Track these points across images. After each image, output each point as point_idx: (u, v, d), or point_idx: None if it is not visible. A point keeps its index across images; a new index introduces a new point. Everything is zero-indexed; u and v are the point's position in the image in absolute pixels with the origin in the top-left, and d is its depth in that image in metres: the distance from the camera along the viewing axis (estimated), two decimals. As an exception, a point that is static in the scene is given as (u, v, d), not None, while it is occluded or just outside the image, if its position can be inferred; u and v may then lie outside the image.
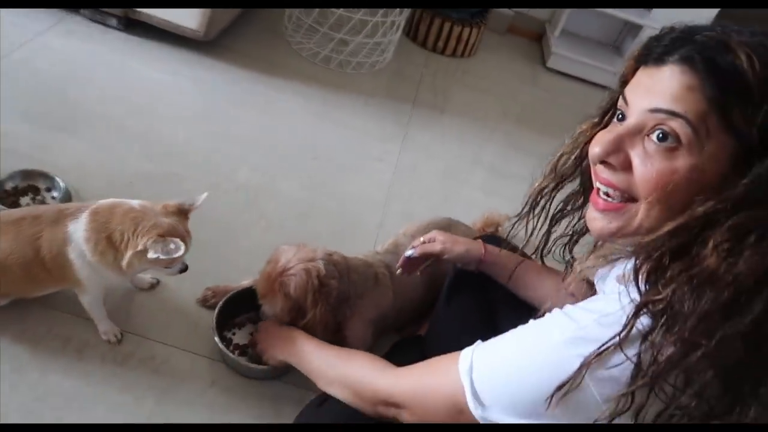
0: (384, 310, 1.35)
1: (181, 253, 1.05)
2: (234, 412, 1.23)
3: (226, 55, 2.29)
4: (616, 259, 0.77)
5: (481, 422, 0.74)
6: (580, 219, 0.95)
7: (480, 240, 1.24)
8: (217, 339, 1.26)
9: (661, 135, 0.64)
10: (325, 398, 1.03)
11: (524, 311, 1.16)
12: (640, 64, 0.70)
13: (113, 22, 2.17)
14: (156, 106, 1.96)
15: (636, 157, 0.67)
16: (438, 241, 1.21)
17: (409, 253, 1.23)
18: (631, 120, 0.67)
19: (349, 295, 1.29)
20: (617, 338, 0.62)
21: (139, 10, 2.10)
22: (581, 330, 0.67)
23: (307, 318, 1.20)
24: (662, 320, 0.61)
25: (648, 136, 0.66)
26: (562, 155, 0.90)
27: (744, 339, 0.59)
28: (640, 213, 0.68)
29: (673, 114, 0.63)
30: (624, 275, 0.69)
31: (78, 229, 1.08)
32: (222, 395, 1.25)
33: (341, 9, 2.37)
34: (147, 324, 1.32)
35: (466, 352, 0.79)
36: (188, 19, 2.10)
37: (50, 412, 1.13)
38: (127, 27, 2.19)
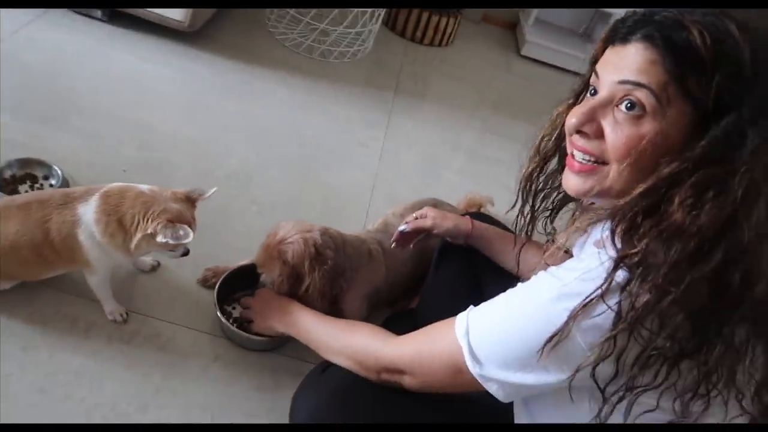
0: (377, 284, 1.43)
1: (189, 239, 1.11)
2: (237, 384, 1.29)
3: (210, 45, 2.33)
4: (593, 224, 0.84)
5: (478, 379, 0.82)
6: (559, 193, 1.02)
7: (467, 216, 1.32)
8: (218, 313, 1.33)
9: (629, 104, 0.72)
10: (327, 365, 1.08)
11: (508, 277, 1.25)
12: (608, 44, 0.78)
13: (98, 13, 2.19)
14: (145, 96, 2.00)
15: (607, 125, 0.75)
16: (429, 217, 1.30)
17: (402, 227, 1.32)
18: (603, 92, 0.75)
19: (345, 268, 1.36)
20: (599, 290, 0.70)
21: (123, 1, 2.13)
22: (566, 286, 0.74)
23: (305, 284, 1.26)
24: (638, 272, 0.69)
25: (617, 106, 0.74)
26: (543, 137, 0.97)
27: (708, 284, 0.67)
28: (611, 174, 0.76)
29: (638, 85, 0.71)
30: (601, 239, 0.78)
31: (88, 211, 1.13)
32: (225, 369, 1.31)
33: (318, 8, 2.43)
34: (151, 304, 1.37)
35: (461, 316, 0.87)
36: (173, 10, 2.13)
37: (60, 389, 1.17)
38: (111, 18, 2.22)
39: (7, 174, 1.47)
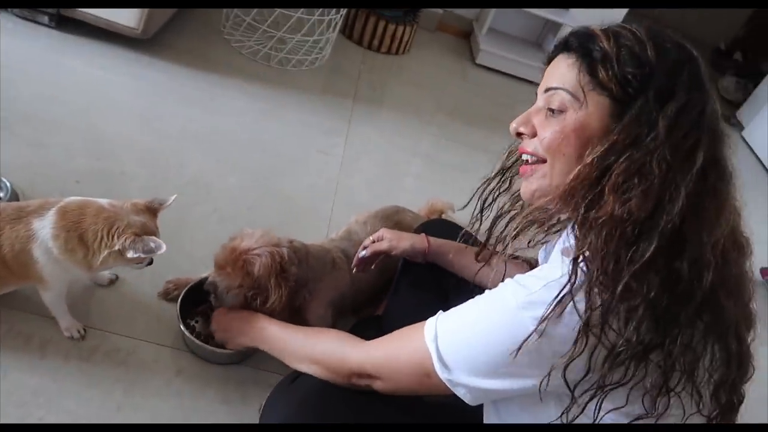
0: (342, 291, 1.43)
1: (162, 251, 1.08)
2: (202, 398, 1.27)
3: (164, 52, 2.29)
4: (552, 228, 0.88)
5: (447, 384, 0.83)
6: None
7: (423, 234, 1.35)
8: (182, 327, 1.30)
9: (551, 106, 0.83)
10: (296, 375, 1.07)
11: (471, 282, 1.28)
12: (545, 65, 0.89)
13: (44, 19, 2.12)
14: (96, 104, 1.94)
15: (538, 125, 0.85)
16: (385, 239, 1.33)
17: (361, 254, 1.35)
18: (538, 102, 0.87)
19: (308, 279, 1.36)
20: (561, 294, 0.72)
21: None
22: (532, 294, 0.75)
23: (270, 301, 1.25)
24: (593, 269, 0.72)
25: (545, 109, 0.84)
26: (510, 153, 1.04)
27: (659, 276, 0.71)
28: (549, 170, 0.84)
29: (555, 89, 0.82)
30: (568, 247, 0.80)
31: (45, 226, 1.09)
32: (189, 383, 1.28)
33: (279, 9, 2.42)
34: (109, 318, 1.33)
35: (430, 321, 0.88)
36: (125, 16, 2.08)
37: (16, 409, 1.13)
38: (59, 24, 2.15)
39: (-49, 187, 1.41)
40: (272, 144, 2.10)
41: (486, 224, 1.08)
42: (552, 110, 0.82)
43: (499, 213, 1.04)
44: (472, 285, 1.31)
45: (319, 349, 1.05)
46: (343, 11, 2.65)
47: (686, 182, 0.72)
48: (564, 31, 3.24)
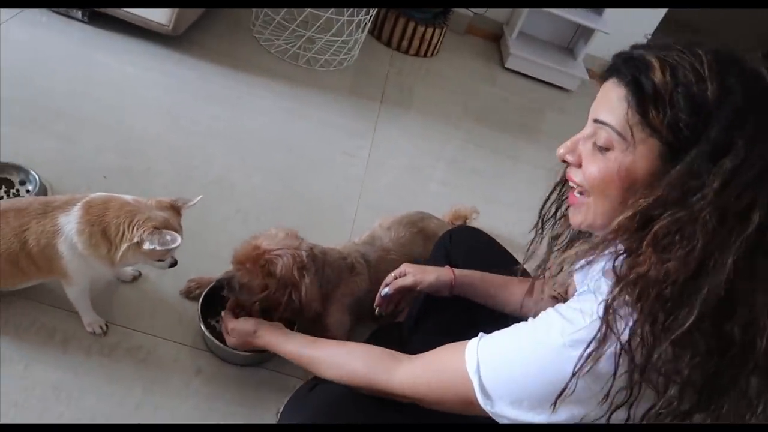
0: (360, 296, 1.42)
1: (177, 244, 1.08)
2: (219, 399, 1.26)
3: (194, 50, 2.30)
4: (595, 251, 0.82)
5: (490, 414, 0.81)
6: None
7: (447, 266, 1.26)
8: (202, 326, 1.30)
9: (598, 143, 0.76)
10: (315, 383, 1.05)
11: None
12: (601, 81, 0.82)
13: (77, 14, 2.14)
14: (126, 100, 1.96)
15: (584, 156, 0.79)
16: (409, 274, 1.26)
17: (384, 292, 1.28)
18: (586, 128, 0.80)
19: (323, 286, 1.34)
20: (598, 336, 0.69)
21: (106, 3, 2.09)
22: (579, 331, 0.72)
23: (303, 292, 1.23)
24: (629, 322, 0.68)
25: (592, 140, 0.78)
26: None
27: (708, 338, 0.67)
28: (592, 206, 0.79)
29: (603, 123, 0.75)
30: (609, 270, 0.76)
31: (70, 221, 1.09)
32: (207, 383, 1.28)
33: (309, 8, 2.41)
34: (131, 315, 1.33)
35: (471, 349, 0.85)
36: (157, 13, 2.09)
37: (37, 403, 1.13)
38: (92, 20, 2.17)
39: (-18, 179, 1.42)
40: (298, 144, 2.10)
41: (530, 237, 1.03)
42: (598, 146, 0.76)
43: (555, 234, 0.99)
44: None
45: (352, 367, 1.02)
46: (373, 12, 2.63)
47: (736, 247, 0.66)
48: (596, 38, 3.18)
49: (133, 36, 2.20)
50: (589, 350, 0.69)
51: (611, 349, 0.69)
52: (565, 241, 0.98)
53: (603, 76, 0.80)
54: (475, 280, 1.24)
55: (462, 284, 1.23)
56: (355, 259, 1.45)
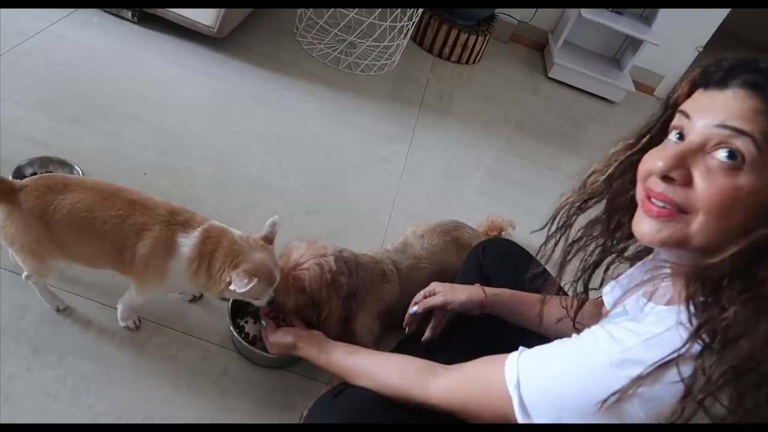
0: (391, 304, 1.40)
1: (249, 287, 1.07)
2: (245, 399, 1.27)
3: (238, 52, 2.33)
4: (664, 279, 0.77)
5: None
6: (598, 246, 0.93)
7: (478, 285, 1.24)
8: (231, 327, 1.30)
9: (728, 153, 0.66)
10: (340, 390, 1.05)
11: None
12: (698, 87, 0.73)
13: (128, 14, 2.20)
14: (170, 99, 2.00)
15: (698, 173, 0.68)
16: (439, 294, 1.24)
17: (412, 310, 1.27)
18: (695, 137, 0.69)
19: (357, 290, 1.33)
20: (672, 356, 0.65)
21: (154, 4, 2.14)
22: (627, 352, 0.69)
23: (323, 312, 1.24)
24: (716, 343, 0.63)
25: (710, 153, 0.68)
26: (592, 173, 0.90)
27: None
28: (694, 225, 0.69)
29: (740, 132, 0.65)
30: (673, 296, 0.73)
31: (186, 245, 1.11)
32: (234, 383, 1.29)
33: (354, 11, 2.42)
34: (162, 312, 1.35)
35: (511, 364, 0.82)
36: (203, 15, 2.13)
37: (68, 393, 1.16)
38: (141, 20, 2.23)
39: (28, 171, 1.47)
40: (335, 148, 2.10)
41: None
42: (730, 153, 0.65)
43: (573, 241, 0.94)
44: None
45: (389, 379, 1.01)
46: (416, 18, 2.63)
47: None
48: (645, 49, 3.09)
49: (180, 37, 2.25)
50: (651, 367, 0.65)
51: (675, 371, 0.65)
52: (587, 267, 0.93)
53: (714, 83, 0.70)
54: (505, 298, 1.21)
55: (493, 303, 1.20)
56: (386, 265, 1.43)
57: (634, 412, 0.67)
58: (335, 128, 2.21)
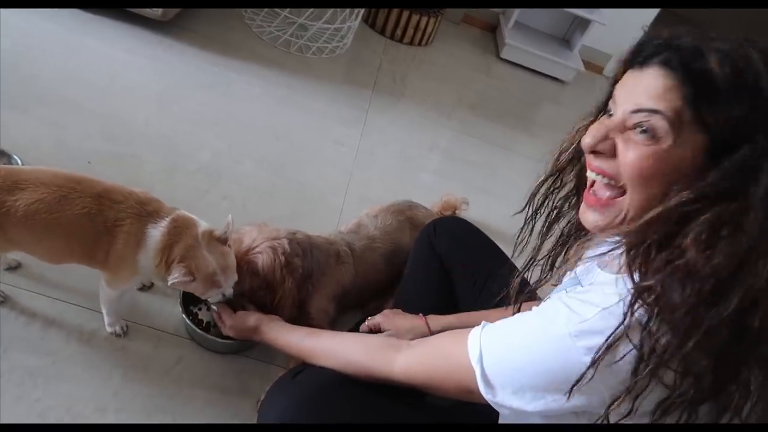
0: (345, 286, 1.40)
1: (175, 281, 1.07)
2: (200, 387, 1.26)
3: (184, 35, 2.27)
4: (600, 247, 0.81)
5: (490, 404, 0.81)
6: (567, 225, 0.97)
7: (422, 317, 1.24)
8: (183, 314, 1.29)
9: (642, 129, 0.71)
10: (298, 371, 1.05)
11: (479, 276, 1.25)
12: (627, 67, 0.77)
13: (67, -2, 2.12)
14: (114, 85, 1.94)
15: (620, 144, 0.74)
16: (385, 333, 1.23)
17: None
18: (618, 116, 0.75)
19: (312, 271, 1.33)
20: (621, 328, 0.67)
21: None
22: (585, 323, 0.71)
23: (277, 296, 1.23)
24: (656, 310, 0.67)
25: (631, 129, 0.73)
26: (561, 152, 0.93)
27: (728, 328, 0.65)
28: (626, 202, 0.74)
29: (653, 111, 0.70)
30: (619, 264, 0.75)
31: (155, 236, 1.07)
32: (188, 371, 1.27)
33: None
34: (112, 302, 1.32)
35: (473, 338, 0.84)
36: (146, -2, 2.07)
37: (13, 388, 1.12)
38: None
39: (-37, 162, 1.41)
40: (287, 132, 2.08)
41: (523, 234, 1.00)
42: (644, 130, 0.71)
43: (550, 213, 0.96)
44: (477, 278, 1.28)
45: (352, 357, 1.02)
46: None
47: None
48: (593, 29, 3.15)
49: (123, 21, 2.18)
50: (606, 341, 0.68)
51: (628, 342, 0.67)
52: (569, 239, 0.95)
53: (637, 62, 0.75)
54: (452, 324, 1.19)
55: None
56: (340, 246, 1.43)
57: (595, 382, 0.70)
58: (287, 111, 2.18)
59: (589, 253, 0.92)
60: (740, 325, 0.66)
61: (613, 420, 0.70)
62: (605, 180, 0.77)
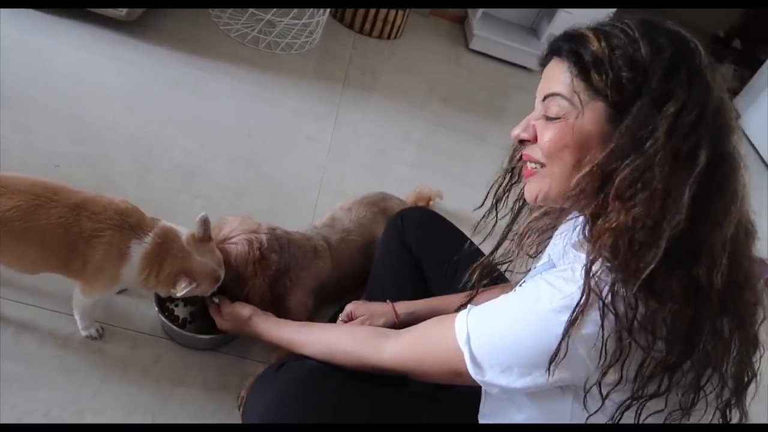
0: (323, 279, 1.41)
1: (183, 292, 1.09)
2: (180, 385, 1.26)
3: (150, 34, 2.25)
4: (560, 216, 0.91)
5: (480, 383, 0.84)
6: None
7: (390, 306, 1.24)
8: (158, 312, 1.28)
9: (551, 113, 0.81)
10: (282, 363, 1.05)
11: (447, 261, 1.27)
12: (541, 67, 0.88)
13: None
14: (79, 87, 1.91)
15: (538, 129, 0.84)
16: (358, 318, 1.24)
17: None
18: (537, 107, 0.86)
19: (290, 267, 1.34)
20: (581, 299, 0.72)
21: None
22: (567, 298, 0.74)
23: (247, 288, 1.23)
24: (611, 276, 0.72)
25: (545, 115, 0.83)
26: (515, 150, 1.00)
27: (679, 283, 0.70)
28: (548, 174, 0.83)
29: (554, 95, 0.81)
30: (579, 241, 0.80)
31: (138, 252, 1.09)
32: (167, 370, 1.27)
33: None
34: (86, 304, 1.31)
35: (460, 321, 0.87)
36: (110, -2, 2.04)
37: (-11, 395, 1.11)
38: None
39: (-73, 170, 1.38)
40: (259, 129, 2.08)
41: (488, 220, 1.07)
42: (550, 117, 0.81)
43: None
44: (445, 264, 1.30)
45: (342, 347, 1.05)
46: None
47: (689, 185, 0.70)
48: (559, 17, 3.19)
49: (87, 22, 2.15)
50: (575, 313, 0.72)
51: (596, 310, 0.71)
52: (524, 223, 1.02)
53: (543, 62, 0.86)
54: (421, 312, 1.20)
55: (405, 321, 1.19)
56: (317, 241, 1.44)
57: (575, 353, 0.73)
58: (258, 109, 2.18)
59: (558, 234, 0.96)
60: (690, 280, 0.70)
61: (604, 392, 0.74)
62: (533, 165, 0.86)
